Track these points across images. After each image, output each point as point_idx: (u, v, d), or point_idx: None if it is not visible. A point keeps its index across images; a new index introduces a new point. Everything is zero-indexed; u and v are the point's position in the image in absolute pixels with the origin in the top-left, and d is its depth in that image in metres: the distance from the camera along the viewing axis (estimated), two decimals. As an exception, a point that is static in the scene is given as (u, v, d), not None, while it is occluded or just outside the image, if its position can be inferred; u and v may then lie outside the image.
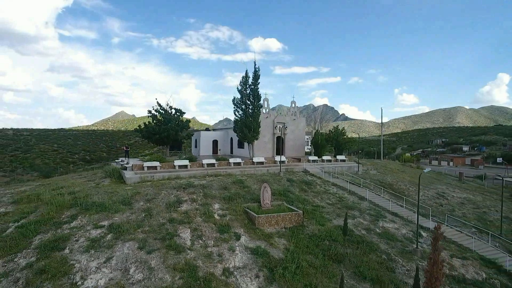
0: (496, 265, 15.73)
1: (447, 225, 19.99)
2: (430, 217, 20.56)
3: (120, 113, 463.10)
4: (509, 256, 16.38)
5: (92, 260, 12.33)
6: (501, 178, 28.44)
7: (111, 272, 11.76)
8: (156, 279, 11.61)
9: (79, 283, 11.19)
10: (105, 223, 14.99)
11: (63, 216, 15.50)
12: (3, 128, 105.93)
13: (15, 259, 12.29)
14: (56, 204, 16.53)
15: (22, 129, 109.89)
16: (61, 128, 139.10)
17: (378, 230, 17.99)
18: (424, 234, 18.33)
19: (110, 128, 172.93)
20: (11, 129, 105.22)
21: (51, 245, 12.98)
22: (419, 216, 18.15)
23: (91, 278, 11.44)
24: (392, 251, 15.78)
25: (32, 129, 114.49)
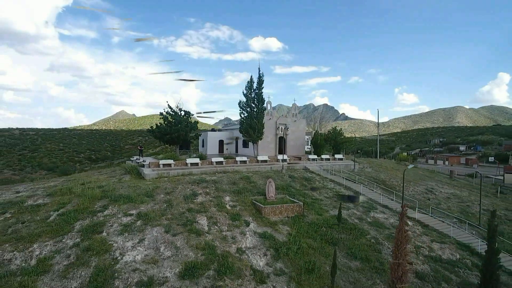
0: (470, 248, 18.22)
1: (431, 216, 22.47)
2: (417, 209, 22.99)
3: (120, 113, 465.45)
4: (482, 241, 18.84)
5: (127, 241, 14.76)
6: (480, 175, 30.93)
7: (145, 250, 14.21)
8: (182, 256, 14.07)
9: (119, 258, 13.62)
10: (133, 212, 17.41)
11: (96, 206, 17.92)
12: (9, 128, 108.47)
13: (63, 240, 14.68)
14: (88, 196, 18.92)
15: (28, 128, 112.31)
16: (65, 128, 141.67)
17: (369, 220, 20.46)
18: (410, 223, 20.78)
19: (112, 128, 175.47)
20: (17, 128, 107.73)
21: (90, 229, 15.37)
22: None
23: (128, 255, 13.87)
24: (380, 236, 18.25)
25: (37, 128, 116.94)
